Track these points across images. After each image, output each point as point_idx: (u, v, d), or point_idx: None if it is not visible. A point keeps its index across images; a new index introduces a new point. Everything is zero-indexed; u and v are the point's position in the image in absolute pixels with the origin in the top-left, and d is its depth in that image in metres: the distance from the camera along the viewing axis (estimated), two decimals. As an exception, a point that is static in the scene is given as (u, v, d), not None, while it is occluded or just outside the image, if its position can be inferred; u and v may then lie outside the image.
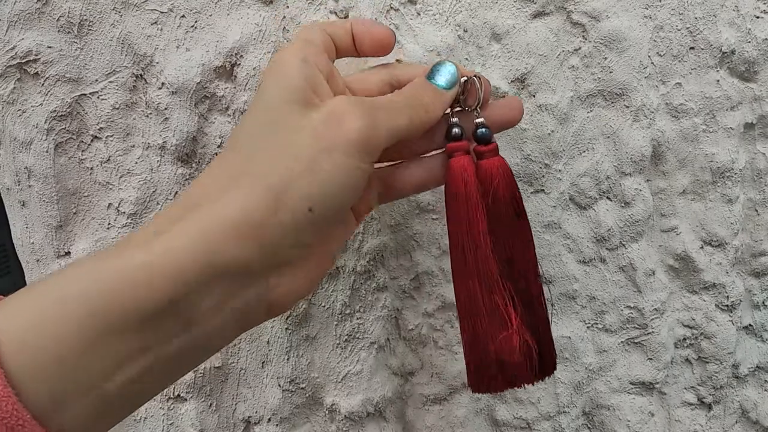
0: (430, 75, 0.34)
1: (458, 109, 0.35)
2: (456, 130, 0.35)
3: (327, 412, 0.47)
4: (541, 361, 0.35)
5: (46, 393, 0.23)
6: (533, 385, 0.35)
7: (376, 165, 0.34)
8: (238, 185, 0.28)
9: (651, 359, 0.49)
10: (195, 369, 0.45)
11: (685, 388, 0.51)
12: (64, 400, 0.24)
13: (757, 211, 0.49)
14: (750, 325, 0.52)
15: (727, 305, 0.49)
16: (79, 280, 0.25)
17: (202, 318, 0.27)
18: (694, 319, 0.50)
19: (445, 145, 0.35)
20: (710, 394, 0.51)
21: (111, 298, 0.25)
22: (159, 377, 0.27)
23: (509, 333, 0.33)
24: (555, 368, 0.37)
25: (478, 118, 0.35)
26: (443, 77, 0.34)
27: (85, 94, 0.41)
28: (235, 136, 0.31)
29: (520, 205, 0.35)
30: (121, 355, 0.25)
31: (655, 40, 0.43)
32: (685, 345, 0.51)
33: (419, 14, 0.41)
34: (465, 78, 0.34)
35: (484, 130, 0.35)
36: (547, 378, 0.36)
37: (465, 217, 0.34)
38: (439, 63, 0.34)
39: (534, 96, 0.43)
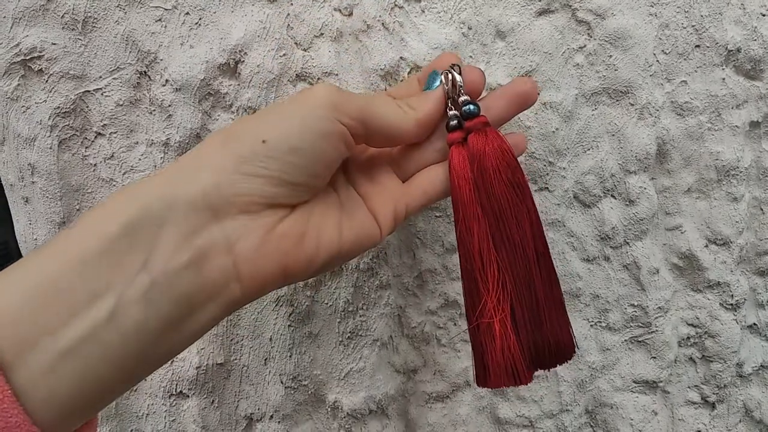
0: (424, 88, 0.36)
1: (457, 113, 0.35)
2: (453, 122, 0.35)
3: (329, 409, 0.47)
4: (546, 351, 0.34)
5: (9, 339, 0.23)
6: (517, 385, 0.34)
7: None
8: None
9: (654, 358, 0.49)
10: (197, 365, 0.45)
11: (689, 387, 0.51)
12: (25, 347, 0.24)
13: (762, 209, 0.49)
14: (754, 323, 0.52)
15: (731, 304, 0.49)
16: (60, 231, 0.27)
17: (160, 255, 0.26)
18: (698, 318, 0.50)
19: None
20: (714, 393, 0.51)
21: (80, 225, 0.26)
22: (117, 341, 0.25)
23: (489, 323, 0.33)
24: (570, 355, 0.35)
25: (461, 97, 0.35)
26: (429, 82, 0.35)
27: (89, 91, 0.41)
28: None
29: (515, 173, 0.34)
30: (80, 293, 0.25)
31: (660, 38, 0.43)
32: (689, 344, 0.51)
33: (423, 12, 0.40)
34: (443, 72, 0.35)
35: (470, 106, 0.34)
36: (552, 368, 0.35)
37: (460, 205, 0.34)
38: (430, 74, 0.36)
39: (538, 94, 0.42)
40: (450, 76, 0.35)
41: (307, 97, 0.30)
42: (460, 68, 0.35)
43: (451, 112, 0.35)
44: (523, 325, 0.33)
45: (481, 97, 0.36)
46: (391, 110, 0.33)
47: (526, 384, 0.34)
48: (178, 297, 0.27)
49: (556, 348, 0.34)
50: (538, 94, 0.36)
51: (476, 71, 0.35)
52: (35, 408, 0.23)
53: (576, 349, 0.35)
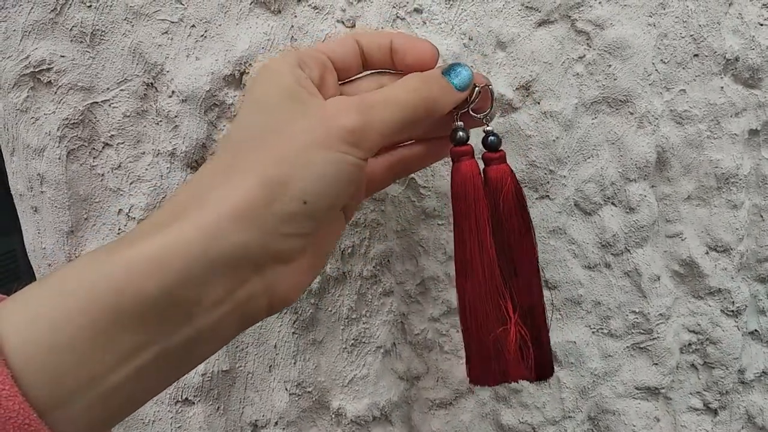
0: (446, 72, 0.34)
1: (463, 110, 0.36)
2: (461, 134, 0.35)
3: (333, 416, 0.47)
4: (537, 365, 0.36)
5: (49, 389, 0.23)
6: (528, 381, 0.36)
7: None
8: (230, 180, 0.28)
9: (656, 364, 0.49)
10: (203, 373, 0.45)
11: (691, 394, 0.51)
12: (67, 395, 0.24)
13: (762, 216, 0.49)
14: (756, 330, 0.52)
15: (732, 311, 0.49)
16: (85, 272, 0.25)
17: (205, 311, 0.27)
18: (699, 325, 0.50)
19: (450, 148, 0.36)
20: (716, 400, 0.51)
21: (116, 288, 0.25)
22: (160, 374, 0.27)
23: (507, 327, 0.35)
24: (551, 373, 0.37)
25: (487, 126, 0.36)
26: (458, 78, 0.34)
27: (96, 102, 0.42)
28: (227, 137, 0.32)
29: (526, 214, 0.36)
30: (124, 347, 0.25)
31: (659, 48, 0.44)
32: (691, 350, 0.51)
33: (425, 23, 0.41)
34: (479, 87, 0.35)
35: (493, 138, 0.36)
36: (542, 381, 0.37)
37: (473, 218, 0.35)
38: (456, 64, 0.34)
39: (539, 103, 0.43)
40: (484, 96, 0.35)
41: (331, 131, 0.29)
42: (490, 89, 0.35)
43: (459, 123, 0.35)
44: (526, 332, 0.36)
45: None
46: (413, 109, 0.32)
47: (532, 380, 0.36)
48: (217, 337, 0.29)
49: (543, 367, 0.37)
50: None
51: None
52: None
53: (551, 373, 0.38)
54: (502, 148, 0.36)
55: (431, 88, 0.33)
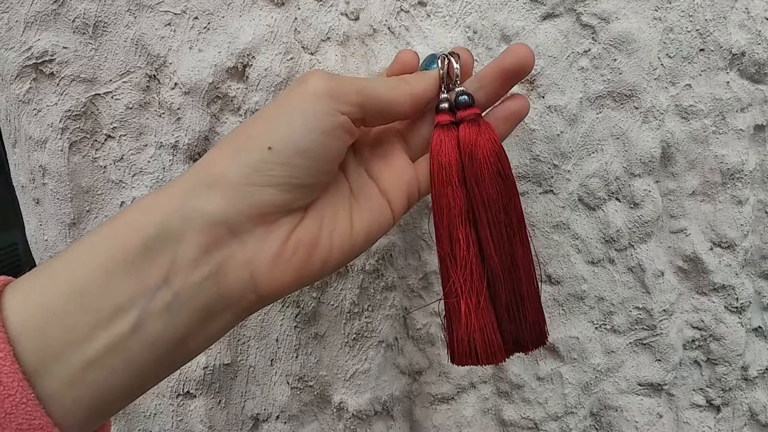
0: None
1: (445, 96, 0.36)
2: (443, 105, 0.36)
3: (335, 410, 0.47)
4: (519, 335, 0.35)
5: (35, 349, 0.24)
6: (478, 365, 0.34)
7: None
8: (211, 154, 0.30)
9: (659, 360, 0.49)
10: (204, 366, 0.45)
11: (694, 390, 0.51)
12: (50, 359, 0.24)
13: (767, 212, 0.49)
14: (759, 327, 0.52)
15: (736, 307, 0.49)
16: (86, 239, 0.27)
17: (181, 269, 0.27)
18: (703, 321, 0.50)
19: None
20: (719, 396, 0.51)
21: (97, 244, 0.27)
22: (136, 350, 0.26)
23: (453, 300, 0.34)
24: (542, 342, 0.35)
25: (458, 87, 0.36)
26: (425, 64, 0.36)
27: (99, 94, 0.42)
28: None
29: (503, 165, 0.34)
30: (107, 307, 0.25)
31: (664, 42, 0.43)
32: (694, 346, 0.51)
33: (429, 16, 0.41)
34: (440, 56, 0.35)
35: (464, 97, 0.35)
36: (521, 353, 0.35)
37: (443, 179, 0.35)
38: (426, 58, 0.36)
39: (543, 97, 0.43)
40: (447, 61, 0.35)
41: (303, 91, 0.30)
42: (458, 56, 0.35)
43: (443, 95, 0.36)
44: (503, 305, 0.34)
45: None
46: (387, 86, 0.33)
47: (494, 363, 0.34)
48: (197, 308, 0.28)
49: (534, 330, 0.35)
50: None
51: (469, 59, 0.36)
52: (60, 414, 0.24)
53: (548, 335, 0.36)
54: (478, 107, 0.35)
55: (405, 76, 0.35)
